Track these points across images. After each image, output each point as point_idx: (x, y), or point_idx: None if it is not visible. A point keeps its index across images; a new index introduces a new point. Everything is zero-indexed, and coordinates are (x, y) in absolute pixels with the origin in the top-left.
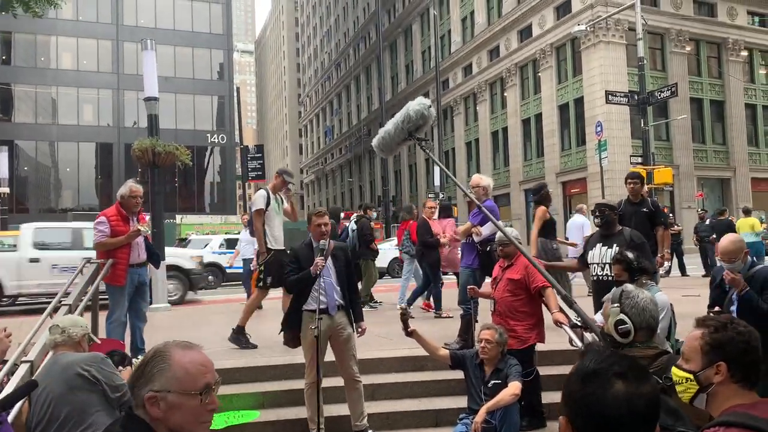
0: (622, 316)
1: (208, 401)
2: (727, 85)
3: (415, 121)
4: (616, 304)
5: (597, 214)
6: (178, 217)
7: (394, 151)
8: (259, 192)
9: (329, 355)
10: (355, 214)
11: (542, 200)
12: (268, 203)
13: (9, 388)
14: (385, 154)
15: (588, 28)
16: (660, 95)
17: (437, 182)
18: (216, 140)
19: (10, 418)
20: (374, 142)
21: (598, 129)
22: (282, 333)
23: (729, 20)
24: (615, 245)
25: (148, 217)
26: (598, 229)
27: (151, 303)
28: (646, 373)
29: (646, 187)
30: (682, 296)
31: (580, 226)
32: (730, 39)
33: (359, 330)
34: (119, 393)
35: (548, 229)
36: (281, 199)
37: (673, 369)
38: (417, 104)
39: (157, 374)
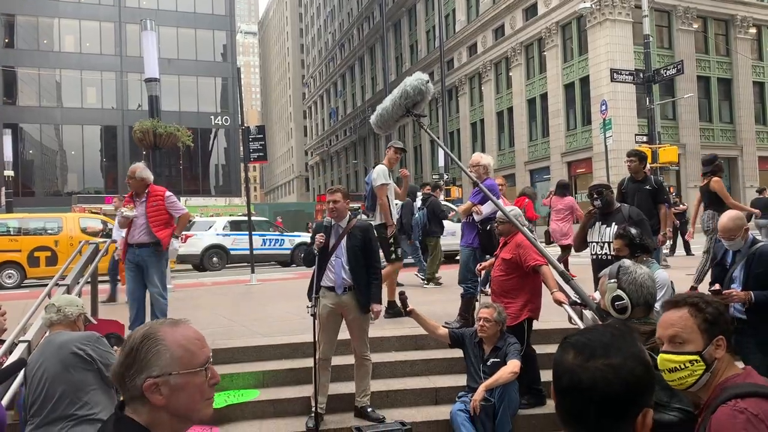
0: (619, 292)
1: (210, 375)
2: (735, 63)
3: (413, 97)
4: (613, 280)
5: (596, 196)
6: (183, 199)
7: (392, 127)
8: (380, 167)
9: (342, 333)
10: (420, 193)
11: (716, 170)
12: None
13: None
14: (383, 130)
15: (593, 6)
16: (666, 73)
17: (441, 163)
18: (220, 122)
19: (5, 400)
20: (372, 118)
21: (603, 108)
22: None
23: None
24: (614, 223)
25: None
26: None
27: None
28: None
29: (648, 166)
30: (686, 275)
31: None
32: (739, 16)
33: (372, 312)
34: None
35: (717, 199)
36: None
37: (667, 357)
38: (414, 80)
39: (154, 358)
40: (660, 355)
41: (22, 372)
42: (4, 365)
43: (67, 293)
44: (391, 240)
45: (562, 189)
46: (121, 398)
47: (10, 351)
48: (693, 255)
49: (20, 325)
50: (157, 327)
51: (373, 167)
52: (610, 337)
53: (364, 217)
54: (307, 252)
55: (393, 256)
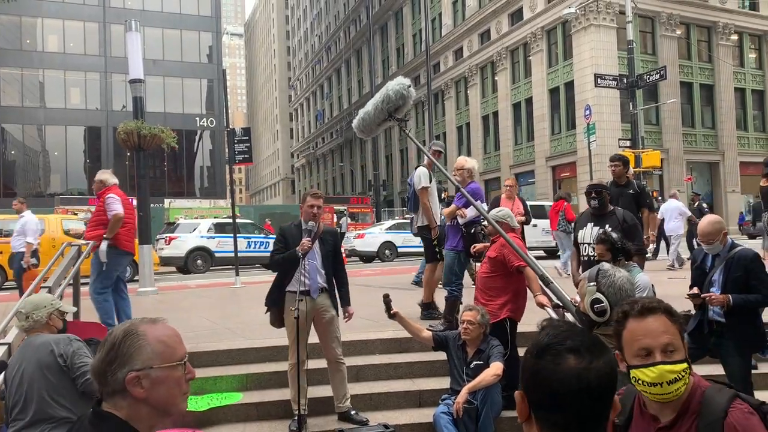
0: (598, 295)
1: (187, 371)
2: (717, 69)
3: (395, 101)
4: (592, 283)
5: (594, 195)
6: (167, 201)
7: (374, 132)
8: (421, 170)
9: (313, 337)
10: None
11: None
12: (430, 180)
13: None
14: (366, 135)
15: (578, 11)
16: (649, 78)
17: None
18: (205, 124)
19: None
20: (354, 123)
21: (587, 112)
22: (268, 312)
23: (719, 4)
24: (607, 225)
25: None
26: (589, 208)
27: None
28: (602, 348)
29: (632, 170)
30: (668, 278)
31: (676, 209)
32: (721, 23)
33: (346, 314)
34: (76, 374)
35: None
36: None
37: (668, 368)
38: (396, 84)
39: (135, 353)
40: (659, 367)
41: (1, 375)
42: None
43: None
44: (435, 241)
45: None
46: (98, 396)
47: None
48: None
49: (0, 326)
50: (138, 324)
51: (415, 168)
52: (591, 337)
53: (345, 219)
54: (286, 258)
55: (439, 257)
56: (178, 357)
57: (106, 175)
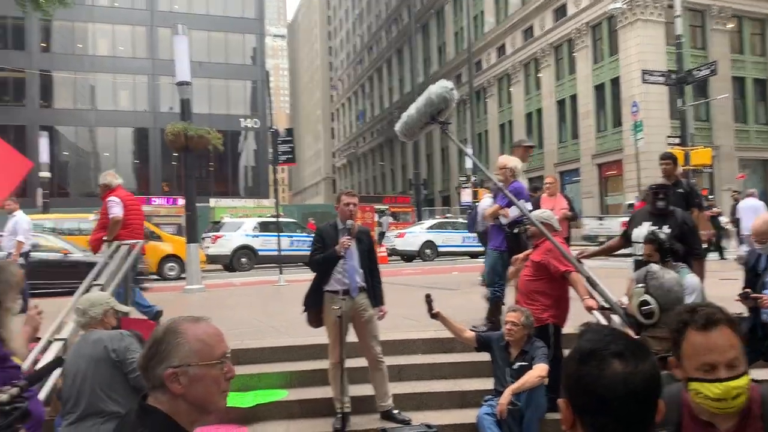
0: (646, 297)
1: (226, 369)
2: None
3: (437, 104)
4: (640, 285)
5: (662, 196)
6: (213, 200)
7: (417, 135)
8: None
9: (352, 336)
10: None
11: None
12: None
13: (42, 365)
14: (408, 138)
15: (625, 6)
16: (698, 74)
17: (468, 165)
18: (249, 124)
19: (42, 395)
20: (397, 126)
21: (634, 109)
22: (305, 313)
23: None
24: (666, 226)
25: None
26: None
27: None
28: (645, 352)
29: (681, 168)
30: (720, 279)
31: (754, 208)
32: None
33: (379, 313)
34: (128, 370)
35: None
36: None
37: (734, 384)
38: (439, 88)
39: (174, 350)
40: (725, 384)
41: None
42: (42, 363)
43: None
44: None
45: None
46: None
47: (44, 349)
48: (726, 259)
49: (55, 323)
50: (180, 322)
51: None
52: (633, 340)
53: (387, 218)
54: (325, 258)
55: None
56: (217, 356)
57: (110, 178)
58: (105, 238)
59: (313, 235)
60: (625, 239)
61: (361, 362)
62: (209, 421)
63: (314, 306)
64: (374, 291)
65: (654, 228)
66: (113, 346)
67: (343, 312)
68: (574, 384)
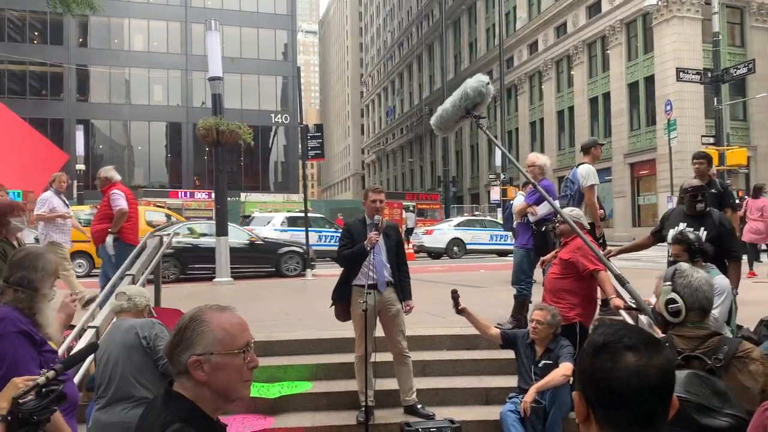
0: (673, 295)
1: (249, 359)
2: None
3: (473, 98)
4: (668, 283)
5: (700, 198)
6: (243, 195)
7: (452, 129)
8: (589, 167)
9: (379, 331)
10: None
11: None
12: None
13: (76, 350)
14: (443, 132)
15: (660, 3)
16: (736, 72)
17: (498, 162)
18: (280, 120)
19: (76, 379)
20: (432, 120)
21: (668, 108)
22: (332, 306)
23: None
24: (702, 228)
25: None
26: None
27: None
28: (658, 345)
29: (714, 169)
30: (753, 282)
31: None
32: None
33: (406, 308)
34: (157, 356)
35: None
36: None
37: None
38: (475, 81)
39: (198, 338)
40: None
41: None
42: (76, 349)
43: (133, 283)
44: (601, 239)
45: (757, 191)
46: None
47: (78, 336)
48: (761, 262)
49: (89, 311)
50: (204, 310)
51: (577, 166)
52: (647, 333)
53: (412, 215)
54: (354, 253)
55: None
56: (240, 345)
57: (111, 173)
58: (110, 229)
59: (339, 230)
60: (657, 238)
61: (387, 356)
62: (235, 410)
63: (342, 300)
64: (402, 285)
65: (687, 229)
66: (144, 333)
67: (369, 306)
68: (587, 377)
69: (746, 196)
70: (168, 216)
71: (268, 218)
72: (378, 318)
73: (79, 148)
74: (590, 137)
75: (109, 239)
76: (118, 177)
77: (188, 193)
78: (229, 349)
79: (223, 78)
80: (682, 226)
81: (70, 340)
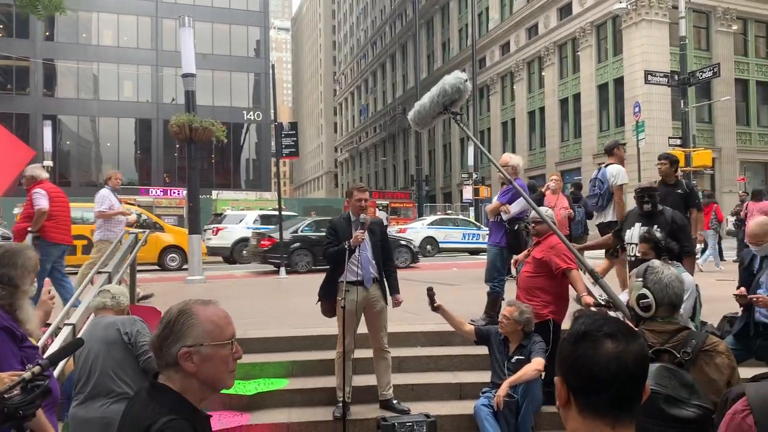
0: (644, 291)
1: (235, 350)
2: None
3: (451, 95)
4: (639, 279)
5: (647, 199)
6: (214, 192)
7: (429, 124)
8: (619, 167)
9: (362, 327)
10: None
11: None
12: None
13: (52, 349)
14: (420, 127)
15: (629, 6)
16: (701, 75)
17: (471, 161)
18: (252, 117)
19: (54, 373)
20: (410, 115)
21: (636, 110)
22: (319, 303)
23: None
24: (656, 225)
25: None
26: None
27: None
28: (635, 334)
29: (680, 170)
30: (716, 280)
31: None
32: None
33: (395, 302)
34: (139, 352)
35: None
36: None
37: None
38: (453, 78)
39: (188, 330)
40: None
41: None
42: (53, 346)
43: (109, 281)
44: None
45: (757, 195)
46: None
47: (54, 334)
48: (725, 260)
49: (64, 309)
50: (191, 304)
51: (605, 166)
52: (623, 323)
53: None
54: (339, 251)
55: (616, 253)
56: (227, 336)
57: (37, 171)
58: (30, 229)
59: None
60: (617, 237)
61: (364, 353)
62: (211, 407)
63: (328, 297)
64: (389, 280)
65: (644, 228)
66: (126, 329)
67: (353, 302)
68: (569, 364)
69: (747, 199)
70: (139, 214)
71: (241, 216)
72: (363, 314)
73: (47, 144)
74: (612, 139)
75: (29, 238)
76: (45, 175)
77: (160, 191)
78: (218, 340)
79: (196, 74)
80: (637, 225)
81: (46, 338)
